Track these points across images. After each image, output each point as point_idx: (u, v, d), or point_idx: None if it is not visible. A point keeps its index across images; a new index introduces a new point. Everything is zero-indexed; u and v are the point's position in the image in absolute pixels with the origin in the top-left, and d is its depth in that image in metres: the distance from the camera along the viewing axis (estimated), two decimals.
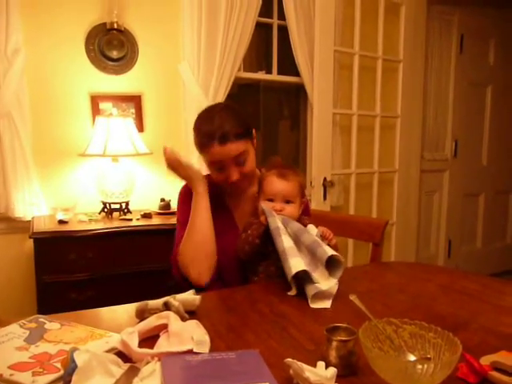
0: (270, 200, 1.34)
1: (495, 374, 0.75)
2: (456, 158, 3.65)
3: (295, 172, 1.37)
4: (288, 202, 1.34)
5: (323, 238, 1.33)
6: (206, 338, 0.85)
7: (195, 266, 1.32)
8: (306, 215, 1.45)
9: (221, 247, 1.38)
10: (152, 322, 0.91)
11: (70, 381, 0.70)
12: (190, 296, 1.04)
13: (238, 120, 1.34)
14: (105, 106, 2.42)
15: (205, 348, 0.82)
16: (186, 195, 1.43)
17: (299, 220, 1.37)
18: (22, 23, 2.17)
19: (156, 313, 0.95)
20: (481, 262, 3.81)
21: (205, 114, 1.38)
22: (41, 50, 2.28)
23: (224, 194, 1.47)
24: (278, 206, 1.32)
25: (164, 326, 0.90)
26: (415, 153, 3.26)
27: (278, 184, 1.33)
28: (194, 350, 0.81)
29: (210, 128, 1.31)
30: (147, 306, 0.99)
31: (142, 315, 0.98)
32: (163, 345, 0.85)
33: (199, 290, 1.21)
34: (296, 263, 1.15)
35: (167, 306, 0.97)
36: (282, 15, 2.77)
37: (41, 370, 0.76)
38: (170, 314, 0.92)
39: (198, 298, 1.04)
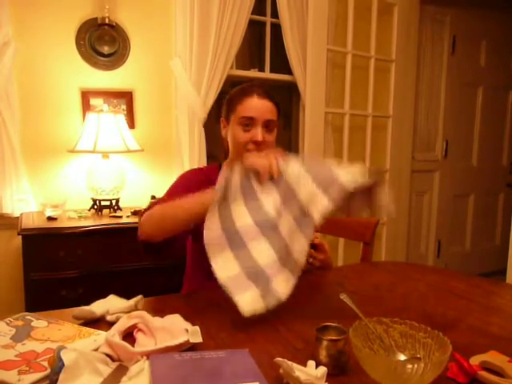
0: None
1: (484, 374, 0.75)
2: (446, 159, 3.66)
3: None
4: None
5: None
6: (197, 328, 0.85)
7: (154, 229, 1.18)
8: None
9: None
10: (125, 323, 0.89)
11: (56, 380, 0.69)
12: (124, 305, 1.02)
13: (274, 95, 1.39)
14: (95, 101, 2.39)
15: (199, 338, 0.83)
16: (187, 183, 1.38)
17: None
18: (11, 16, 2.14)
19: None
20: (470, 263, 3.84)
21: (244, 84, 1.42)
22: (31, 44, 2.24)
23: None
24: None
25: (134, 326, 0.89)
26: (406, 153, 3.28)
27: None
28: (191, 341, 0.81)
29: (253, 84, 1.37)
30: (92, 314, 0.96)
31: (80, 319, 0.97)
32: (146, 343, 0.84)
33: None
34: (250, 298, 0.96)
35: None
36: (275, 13, 2.76)
37: (27, 368, 0.74)
38: (143, 312, 0.91)
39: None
